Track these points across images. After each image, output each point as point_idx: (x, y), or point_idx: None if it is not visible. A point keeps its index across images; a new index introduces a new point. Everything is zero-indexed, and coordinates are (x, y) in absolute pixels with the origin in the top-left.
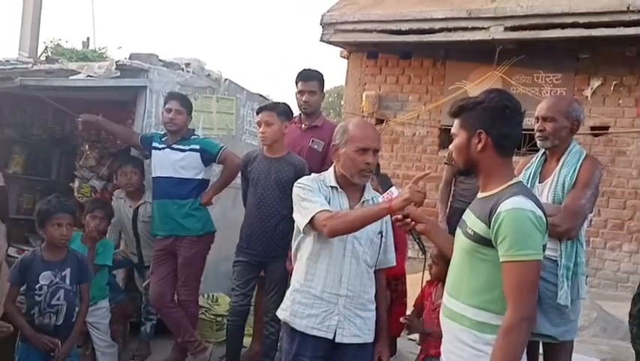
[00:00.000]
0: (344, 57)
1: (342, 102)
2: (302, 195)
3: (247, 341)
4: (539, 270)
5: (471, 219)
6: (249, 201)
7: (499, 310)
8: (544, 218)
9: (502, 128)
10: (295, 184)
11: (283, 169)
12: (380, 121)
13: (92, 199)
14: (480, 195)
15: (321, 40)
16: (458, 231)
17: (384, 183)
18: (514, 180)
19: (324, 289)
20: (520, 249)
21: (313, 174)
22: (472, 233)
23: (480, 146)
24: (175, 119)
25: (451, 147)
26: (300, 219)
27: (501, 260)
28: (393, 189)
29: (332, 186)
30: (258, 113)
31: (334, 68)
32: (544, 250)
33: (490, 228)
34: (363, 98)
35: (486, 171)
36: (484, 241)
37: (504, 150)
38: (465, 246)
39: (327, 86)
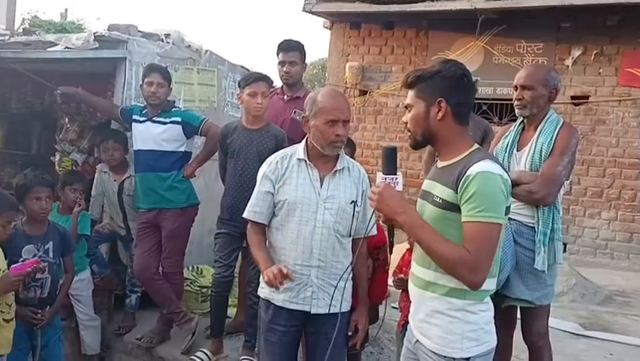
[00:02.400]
0: (327, 28)
1: (327, 74)
2: (257, 182)
3: (232, 311)
4: (499, 235)
5: (437, 189)
6: (229, 172)
7: None
8: (509, 182)
9: (460, 97)
10: (264, 163)
11: (264, 140)
12: (363, 92)
13: (67, 172)
14: (440, 164)
15: (304, 10)
16: (422, 203)
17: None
18: (475, 147)
19: (295, 262)
20: (486, 210)
21: (286, 148)
22: (440, 201)
23: (440, 114)
24: (157, 92)
25: (405, 119)
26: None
27: (464, 220)
28: (399, 178)
29: (300, 159)
30: (249, 84)
31: (319, 40)
32: (506, 214)
33: (457, 192)
34: (347, 69)
35: (445, 139)
36: (452, 207)
37: (461, 117)
38: (433, 215)
39: (311, 58)
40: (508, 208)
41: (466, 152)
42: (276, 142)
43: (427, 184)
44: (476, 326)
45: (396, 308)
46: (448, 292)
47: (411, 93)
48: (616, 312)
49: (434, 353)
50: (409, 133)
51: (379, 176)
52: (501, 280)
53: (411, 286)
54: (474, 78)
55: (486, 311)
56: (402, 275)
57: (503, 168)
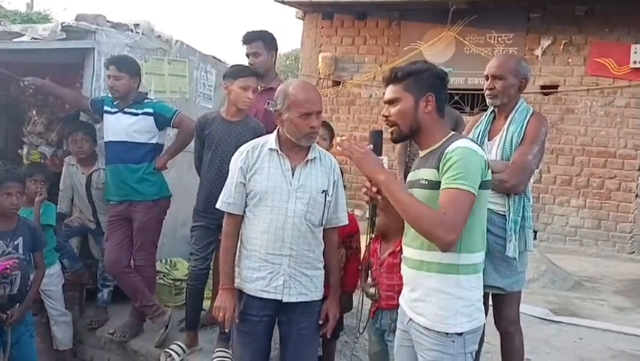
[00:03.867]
0: (299, 18)
1: (300, 65)
2: (229, 172)
3: (206, 304)
4: (472, 204)
5: (421, 173)
6: (206, 164)
7: (460, 247)
8: (487, 161)
9: (443, 92)
10: (235, 153)
11: (244, 133)
12: (337, 83)
13: (29, 163)
14: (422, 153)
15: (276, 0)
16: (411, 190)
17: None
18: (452, 133)
19: (267, 251)
20: (462, 179)
21: (257, 138)
22: (426, 182)
23: (429, 107)
24: (115, 85)
25: (388, 112)
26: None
27: (441, 188)
28: (385, 160)
29: (271, 149)
30: (243, 77)
31: (293, 31)
32: (486, 188)
33: (439, 171)
34: (320, 59)
35: (428, 130)
36: (437, 186)
37: (442, 110)
38: (422, 196)
39: (284, 49)
40: (487, 183)
41: (444, 138)
42: (254, 135)
43: (412, 175)
44: (469, 302)
45: (372, 295)
46: (441, 269)
47: (397, 88)
48: (584, 297)
49: (428, 329)
50: (394, 127)
51: None
52: None
53: (404, 268)
54: (447, 69)
55: (477, 289)
56: (373, 289)
57: (481, 148)
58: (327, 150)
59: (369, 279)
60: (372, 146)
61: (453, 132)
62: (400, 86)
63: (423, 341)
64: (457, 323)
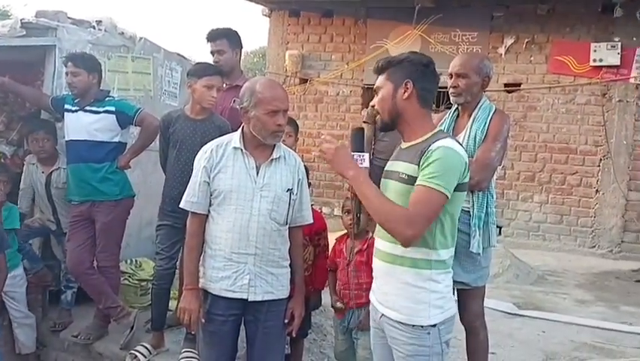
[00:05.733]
0: (266, 15)
1: (267, 63)
2: (193, 171)
3: (172, 304)
4: (441, 205)
5: (401, 166)
6: (171, 163)
7: (435, 245)
8: (467, 164)
9: (424, 82)
10: (200, 152)
11: (209, 131)
12: (304, 80)
13: None
14: (404, 145)
15: None
16: (386, 181)
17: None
18: (438, 129)
19: (232, 250)
20: (437, 178)
21: (222, 137)
22: (406, 177)
23: (406, 94)
24: (73, 82)
25: (373, 101)
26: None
27: (417, 183)
28: (366, 156)
29: (236, 148)
30: (207, 75)
31: (260, 29)
32: (462, 190)
33: (419, 167)
34: (286, 57)
35: (409, 120)
36: (415, 182)
37: (425, 101)
38: (400, 190)
39: (251, 47)
40: (463, 185)
41: (429, 133)
42: (220, 133)
43: (390, 165)
44: (441, 295)
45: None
46: (415, 264)
47: (381, 77)
48: (547, 291)
49: (402, 323)
50: (378, 115)
51: None
52: None
53: (376, 262)
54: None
55: (448, 281)
56: (340, 304)
57: (464, 149)
58: (293, 145)
59: (338, 288)
60: (349, 141)
61: (439, 128)
62: (383, 76)
63: (398, 335)
64: (431, 315)
